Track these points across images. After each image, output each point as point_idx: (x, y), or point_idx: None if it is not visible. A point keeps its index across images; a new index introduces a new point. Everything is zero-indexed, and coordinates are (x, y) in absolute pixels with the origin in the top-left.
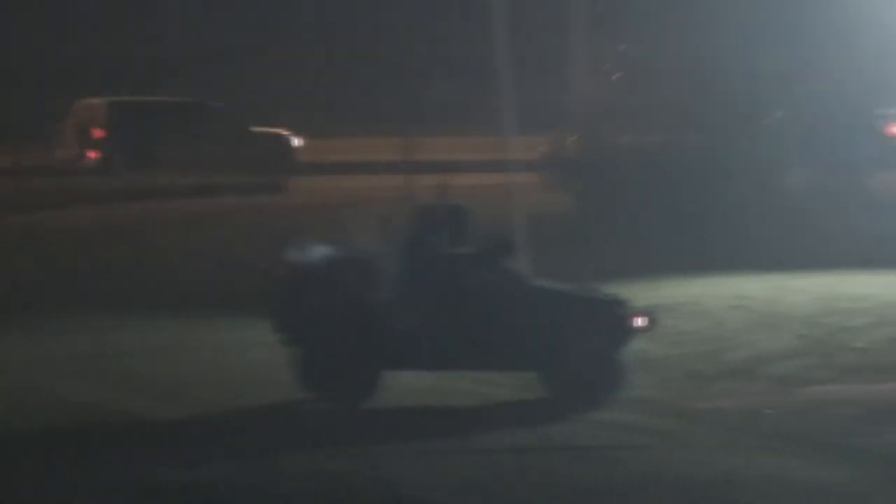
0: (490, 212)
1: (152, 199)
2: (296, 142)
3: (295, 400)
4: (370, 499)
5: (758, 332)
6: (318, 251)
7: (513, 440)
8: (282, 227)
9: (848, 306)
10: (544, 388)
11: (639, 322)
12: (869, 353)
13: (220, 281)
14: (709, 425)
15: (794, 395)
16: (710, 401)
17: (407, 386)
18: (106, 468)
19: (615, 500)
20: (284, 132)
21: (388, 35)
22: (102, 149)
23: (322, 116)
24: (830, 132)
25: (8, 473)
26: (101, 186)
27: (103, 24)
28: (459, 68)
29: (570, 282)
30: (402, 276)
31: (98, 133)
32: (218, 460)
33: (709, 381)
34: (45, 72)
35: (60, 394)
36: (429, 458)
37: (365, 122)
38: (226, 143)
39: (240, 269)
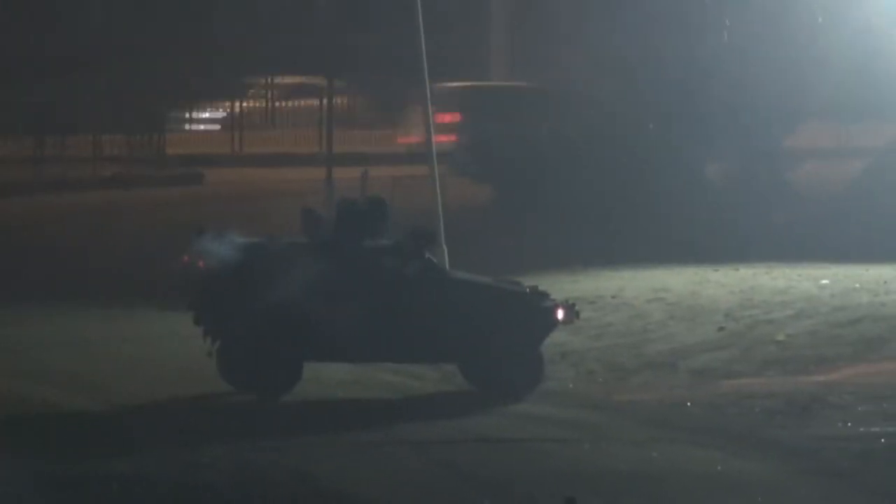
0: (410, 204)
1: (76, 190)
2: None
3: (217, 392)
4: (293, 491)
5: (678, 324)
6: (238, 242)
7: (436, 432)
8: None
9: (767, 299)
10: (465, 380)
11: (559, 314)
12: (788, 346)
13: (141, 272)
14: (630, 418)
15: (715, 388)
16: (630, 394)
17: (330, 378)
18: (23, 459)
19: (537, 492)
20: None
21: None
22: (455, 134)
23: None
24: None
25: None
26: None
27: None
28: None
29: (491, 274)
30: (322, 268)
31: (450, 118)
32: (137, 452)
33: (629, 373)
34: None
35: None
36: (353, 450)
37: None
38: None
39: (162, 259)
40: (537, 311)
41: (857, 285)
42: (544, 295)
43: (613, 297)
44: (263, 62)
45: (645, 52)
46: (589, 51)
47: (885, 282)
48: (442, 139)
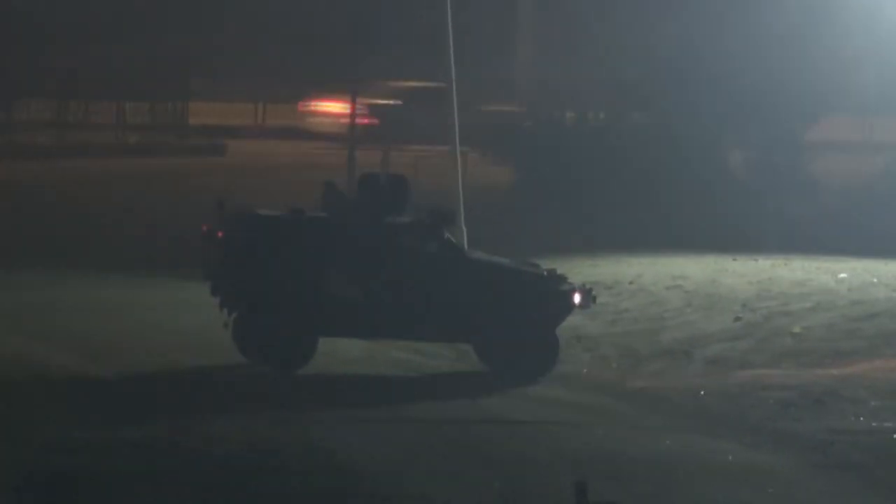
0: (432, 183)
1: (95, 156)
2: None
3: (230, 364)
4: (305, 465)
5: (695, 313)
6: (258, 214)
7: (449, 412)
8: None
9: (785, 291)
10: (480, 360)
11: (576, 299)
12: (804, 339)
13: (161, 241)
14: (643, 404)
15: (729, 378)
16: (644, 380)
17: (345, 355)
18: (37, 423)
19: (547, 475)
20: None
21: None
22: None
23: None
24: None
25: None
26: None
27: None
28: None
29: (510, 256)
30: (340, 244)
31: None
32: (150, 421)
33: (644, 360)
34: None
35: None
36: (364, 426)
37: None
38: None
39: (182, 229)
40: (554, 294)
41: (876, 280)
42: (562, 278)
43: (631, 282)
44: None
45: (670, 43)
46: (614, 40)
47: None
48: None
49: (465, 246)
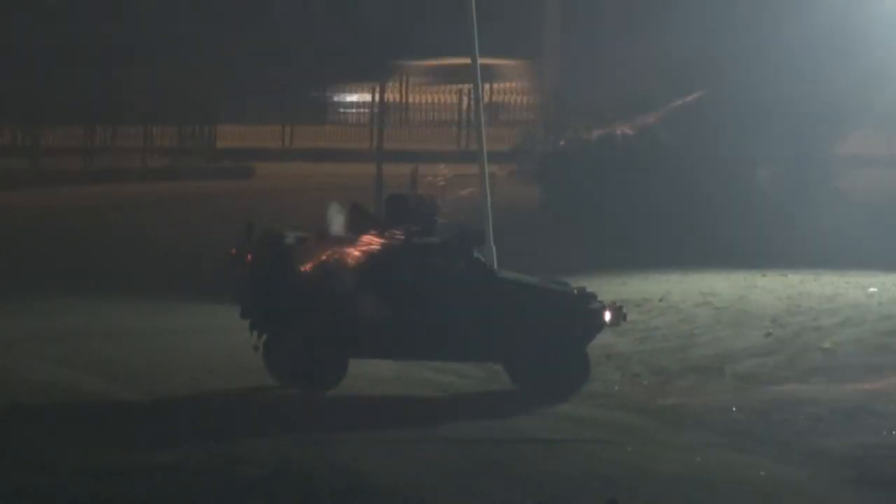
0: (459, 202)
1: (118, 181)
2: None
3: (259, 386)
4: (334, 487)
5: (725, 329)
6: (287, 237)
7: (479, 431)
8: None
9: (815, 306)
10: (510, 380)
11: (607, 316)
12: (835, 354)
13: (189, 264)
14: (674, 422)
15: (760, 394)
16: (675, 397)
17: (375, 375)
18: (68, 449)
19: (578, 493)
20: None
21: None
22: None
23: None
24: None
25: None
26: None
27: None
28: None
29: (539, 274)
30: (370, 265)
31: None
32: (179, 445)
33: (674, 377)
34: None
35: (22, 374)
36: (393, 447)
37: None
38: None
39: (210, 252)
40: (584, 312)
41: None
42: (592, 296)
43: (661, 300)
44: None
45: (694, 55)
46: (639, 51)
47: None
48: None
49: (495, 265)
